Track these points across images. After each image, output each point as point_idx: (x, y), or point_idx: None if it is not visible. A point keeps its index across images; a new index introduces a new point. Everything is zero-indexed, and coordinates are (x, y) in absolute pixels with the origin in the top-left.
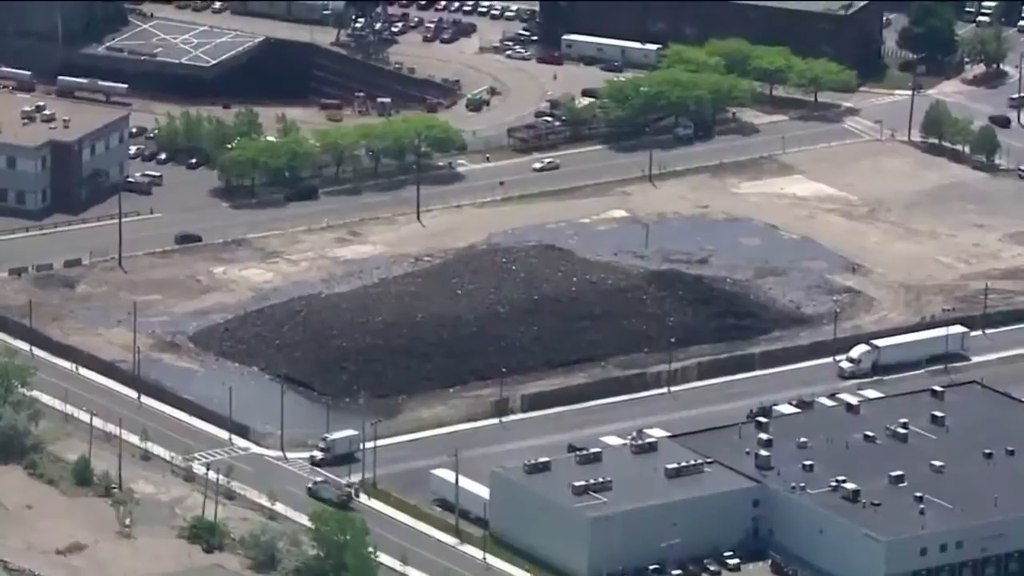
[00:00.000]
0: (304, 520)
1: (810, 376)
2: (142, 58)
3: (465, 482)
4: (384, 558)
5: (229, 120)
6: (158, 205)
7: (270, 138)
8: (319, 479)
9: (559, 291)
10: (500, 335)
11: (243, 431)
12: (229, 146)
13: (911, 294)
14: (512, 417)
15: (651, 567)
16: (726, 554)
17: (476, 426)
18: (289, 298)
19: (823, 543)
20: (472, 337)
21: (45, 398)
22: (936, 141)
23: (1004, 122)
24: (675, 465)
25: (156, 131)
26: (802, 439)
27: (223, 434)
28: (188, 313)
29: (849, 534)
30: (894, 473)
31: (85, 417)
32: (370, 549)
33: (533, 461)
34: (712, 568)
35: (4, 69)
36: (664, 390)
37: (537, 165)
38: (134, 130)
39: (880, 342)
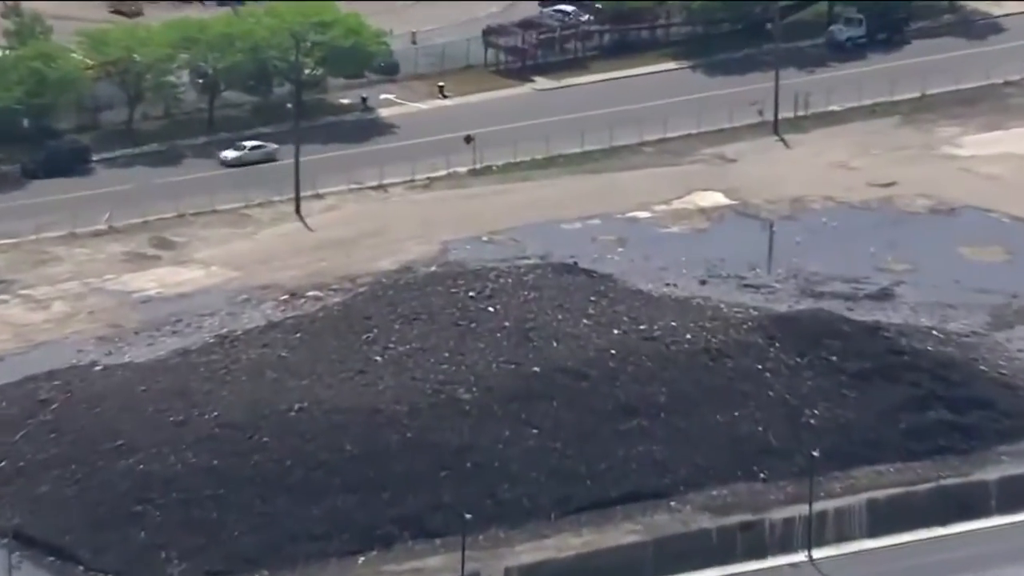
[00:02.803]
0: None
1: None
2: None
3: None
4: None
5: None
6: None
7: None
8: None
9: (584, 357)
10: (462, 448)
11: None
12: None
13: None
14: None
15: None
16: None
17: None
18: (27, 376)
19: None
20: (403, 451)
21: None
22: None
23: None
24: None
25: None
26: None
27: None
28: None
29: None
30: None
31: None
32: None
33: None
34: None
35: None
36: (800, 556)
37: (230, 154)
38: None
39: None
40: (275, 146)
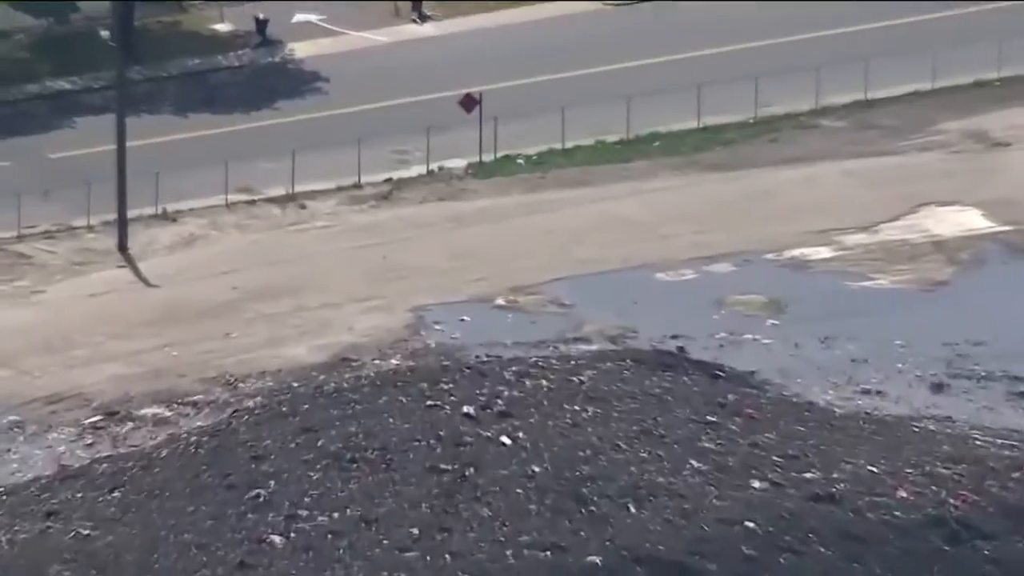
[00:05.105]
0: None
1: None
2: None
3: None
4: None
5: None
6: None
7: None
8: None
9: (693, 536)
10: None
11: None
12: None
13: None
14: None
15: None
16: None
17: None
18: None
19: None
20: None
21: None
22: None
23: None
24: None
25: None
26: None
27: None
28: None
29: None
30: None
31: None
32: None
33: None
34: None
35: None
36: None
37: None
38: None
39: None
40: None
